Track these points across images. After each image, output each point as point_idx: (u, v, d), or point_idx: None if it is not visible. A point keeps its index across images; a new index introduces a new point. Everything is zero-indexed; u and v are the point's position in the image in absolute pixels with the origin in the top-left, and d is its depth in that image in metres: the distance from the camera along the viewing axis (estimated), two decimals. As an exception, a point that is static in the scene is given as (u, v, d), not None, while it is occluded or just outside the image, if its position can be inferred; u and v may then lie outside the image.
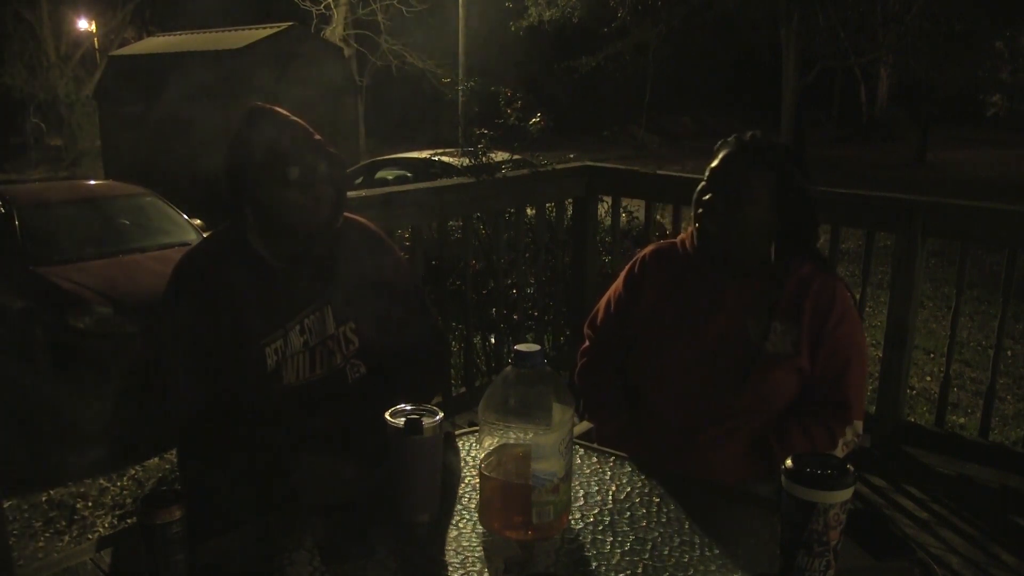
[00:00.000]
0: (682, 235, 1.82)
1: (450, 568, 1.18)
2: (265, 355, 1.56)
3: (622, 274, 1.86)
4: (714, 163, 1.68)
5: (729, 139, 1.70)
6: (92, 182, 8.80)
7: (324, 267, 1.64)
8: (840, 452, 1.60)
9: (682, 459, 1.59)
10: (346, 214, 1.71)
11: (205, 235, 1.98)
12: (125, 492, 3.48)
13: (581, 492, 1.38)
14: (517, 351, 1.20)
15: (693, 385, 1.65)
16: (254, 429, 1.51)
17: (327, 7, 17.44)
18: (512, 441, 1.20)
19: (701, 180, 1.71)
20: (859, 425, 1.63)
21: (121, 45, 18.88)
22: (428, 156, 8.69)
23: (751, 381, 1.61)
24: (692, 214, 1.72)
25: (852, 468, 1.08)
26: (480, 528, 1.27)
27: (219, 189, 1.60)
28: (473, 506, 1.32)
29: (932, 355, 5.17)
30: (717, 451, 1.62)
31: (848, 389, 1.63)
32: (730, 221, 1.63)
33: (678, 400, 1.66)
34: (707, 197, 1.66)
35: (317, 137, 1.60)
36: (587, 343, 1.88)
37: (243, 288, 1.57)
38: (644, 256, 1.83)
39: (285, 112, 1.61)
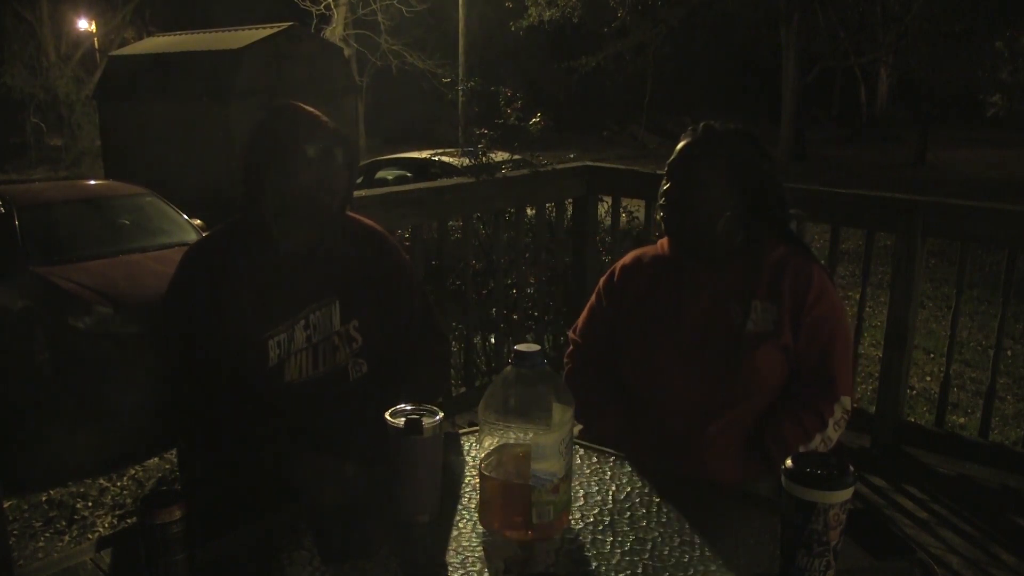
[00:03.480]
0: (662, 239, 1.83)
1: (450, 568, 1.18)
2: (267, 348, 1.56)
3: (601, 280, 1.88)
4: (671, 157, 1.72)
5: (686, 131, 1.74)
6: (92, 182, 8.80)
7: (332, 263, 1.64)
8: (832, 432, 1.61)
9: (682, 459, 1.59)
10: (350, 214, 1.71)
11: (209, 230, 1.98)
12: (125, 492, 3.48)
13: (581, 492, 1.38)
14: (517, 351, 1.20)
15: (685, 378, 1.66)
16: (255, 425, 1.51)
17: (327, 7, 17.46)
18: (512, 441, 1.20)
19: None
20: (847, 401, 1.64)
21: (121, 45, 18.87)
22: (428, 156, 8.71)
23: (741, 364, 1.62)
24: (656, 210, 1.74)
25: (852, 468, 1.08)
26: (480, 528, 1.27)
27: (218, 189, 1.60)
28: (473, 506, 1.32)
29: (932, 355, 5.17)
30: (717, 449, 1.62)
31: (833, 365, 1.65)
32: (686, 208, 1.67)
33: (673, 396, 1.67)
34: (665, 188, 1.71)
35: (333, 125, 1.62)
36: (572, 348, 1.90)
37: (250, 279, 1.57)
38: (623, 264, 1.85)
39: (305, 105, 1.64)
